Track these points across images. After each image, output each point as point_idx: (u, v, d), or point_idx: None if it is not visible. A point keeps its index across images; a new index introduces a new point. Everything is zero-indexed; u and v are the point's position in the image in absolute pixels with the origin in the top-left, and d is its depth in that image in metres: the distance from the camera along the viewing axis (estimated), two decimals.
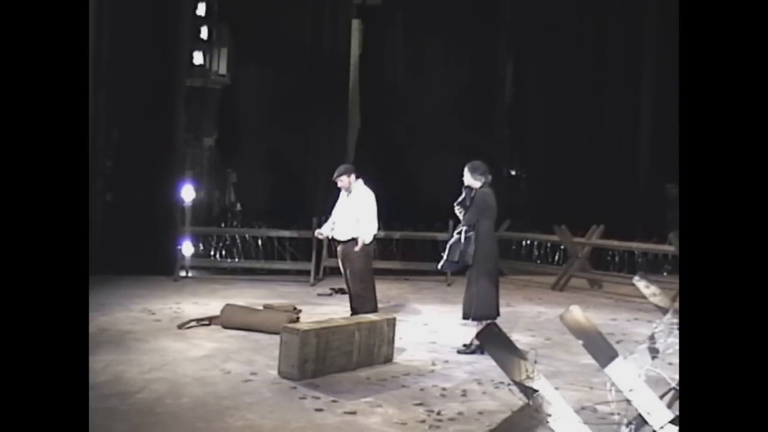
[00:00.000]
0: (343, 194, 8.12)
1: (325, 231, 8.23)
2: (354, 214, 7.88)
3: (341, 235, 7.95)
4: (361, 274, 7.84)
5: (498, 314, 6.99)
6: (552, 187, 15.85)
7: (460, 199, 7.08)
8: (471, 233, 6.95)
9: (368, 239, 7.81)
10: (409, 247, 13.15)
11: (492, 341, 3.42)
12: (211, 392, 5.55)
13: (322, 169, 15.67)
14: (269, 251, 12.96)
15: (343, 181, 8.02)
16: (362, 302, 7.79)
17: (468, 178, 7.11)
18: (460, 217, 7.07)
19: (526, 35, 16.91)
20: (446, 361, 6.78)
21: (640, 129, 16.26)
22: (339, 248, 8.02)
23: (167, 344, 7.06)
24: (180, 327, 7.73)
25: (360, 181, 8.05)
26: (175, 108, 12.66)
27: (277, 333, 6.37)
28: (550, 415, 3.26)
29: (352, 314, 7.64)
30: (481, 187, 7.08)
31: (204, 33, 27.47)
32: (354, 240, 7.81)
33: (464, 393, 5.75)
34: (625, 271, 12.86)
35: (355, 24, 16.69)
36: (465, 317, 7.17)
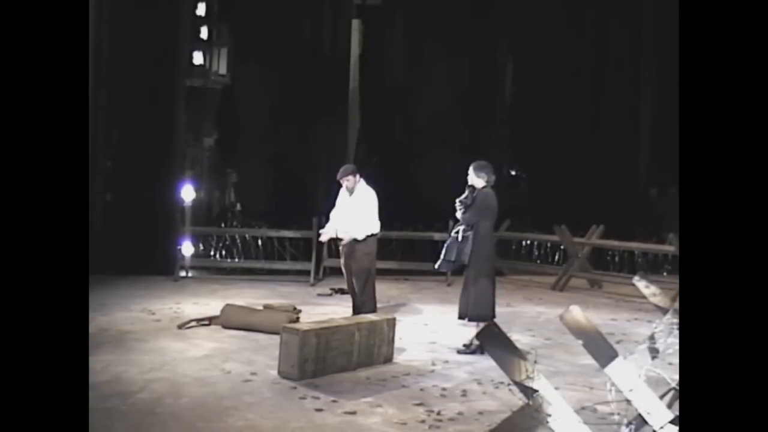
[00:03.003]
0: (343, 194, 8.11)
1: (330, 232, 8.14)
2: (358, 213, 7.89)
3: (345, 235, 7.94)
4: (364, 274, 7.84)
5: (494, 315, 6.98)
6: (552, 187, 15.84)
7: (462, 196, 7.07)
8: (469, 233, 6.96)
9: (360, 235, 7.81)
10: (409, 247, 13.14)
11: (492, 341, 3.42)
12: (211, 392, 5.55)
13: (322, 169, 15.70)
14: (269, 251, 12.95)
15: (349, 180, 8.00)
16: (363, 301, 7.80)
17: (472, 177, 7.11)
18: (459, 213, 7.07)
19: (526, 35, 16.92)
20: (446, 361, 6.78)
21: (640, 129, 16.28)
22: (342, 248, 8.01)
23: (167, 344, 7.06)
24: (180, 327, 7.73)
25: (362, 181, 8.06)
26: (175, 108, 12.65)
27: (277, 333, 6.37)
28: (550, 415, 3.26)
29: (354, 314, 7.63)
30: (483, 187, 7.08)
31: (204, 33, 27.47)
32: (358, 239, 7.81)
33: (464, 393, 5.75)
34: (625, 271, 12.85)
35: (355, 24, 16.69)
36: (461, 317, 7.17)
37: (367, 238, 7.85)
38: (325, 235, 8.22)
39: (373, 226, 7.90)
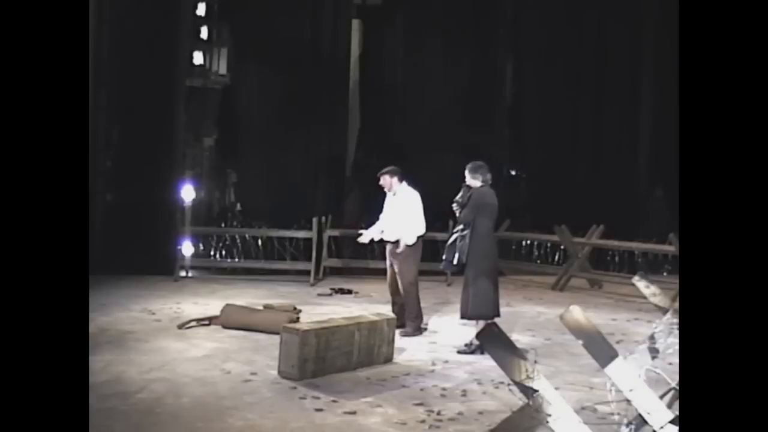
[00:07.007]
0: (389, 196, 8.14)
1: (369, 234, 8.23)
2: (398, 214, 7.94)
3: (389, 236, 8.00)
4: (407, 275, 7.85)
5: (497, 314, 6.98)
6: (552, 187, 15.85)
7: (457, 196, 7.12)
8: (466, 231, 6.97)
9: (410, 240, 7.83)
10: None
11: (492, 341, 3.42)
12: (211, 392, 5.55)
13: (322, 169, 15.71)
14: (269, 251, 12.94)
15: (384, 180, 8.05)
16: (407, 302, 7.84)
17: (468, 178, 7.15)
18: (457, 214, 7.11)
19: (526, 35, 16.92)
20: (446, 361, 6.78)
21: (640, 128, 16.28)
22: (388, 249, 8.05)
23: (167, 344, 7.06)
24: (180, 327, 7.72)
25: (404, 183, 8.07)
26: (175, 108, 12.65)
27: (277, 333, 6.36)
28: (550, 415, 3.26)
29: (397, 318, 7.45)
30: (480, 186, 7.10)
31: (204, 33, 27.49)
32: (398, 241, 7.86)
33: (464, 393, 5.75)
34: (625, 271, 12.84)
35: (355, 24, 16.71)
36: (462, 317, 7.19)
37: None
38: (366, 236, 8.30)
39: (415, 228, 7.90)
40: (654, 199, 15.02)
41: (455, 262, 6.99)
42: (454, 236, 7.07)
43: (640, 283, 4.16)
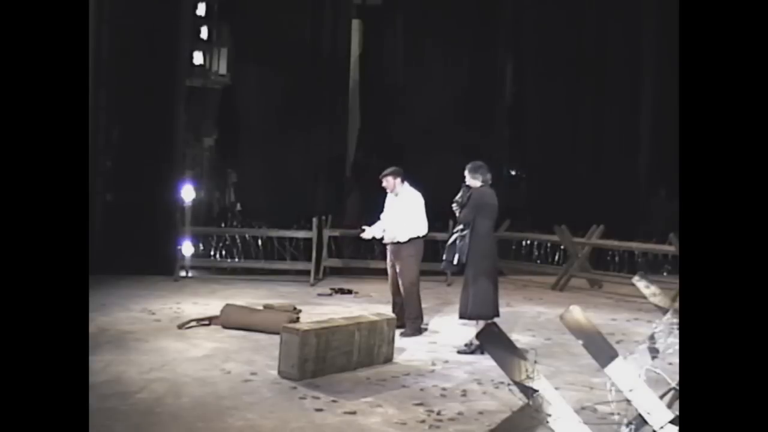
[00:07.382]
0: (390, 196, 8.14)
1: (372, 231, 8.25)
2: (400, 215, 7.95)
3: (389, 237, 8.00)
4: (408, 276, 7.86)
5: (497, 314, 6.98)
6: (552, 187, 15.86)
7: (457, 196, 7.12)
8: (466, 232, 6.97)
9: (402, 237, 7.84)
10: None
11: (492, 341, 3.43)
12: (211, 392, 5.55)
13: (322, 169, 15.72)
14: (269, 251, 12.96)
15: (388, 181, 8.04)
16: (408, 303, 7.84)
17: (468, 178, 7.15)
18: (457, 214, 7.11)
19: (526, 35, 16.93)
20: (446, 361, 6.78)
21: (640, 128, 16.29)
22: (389, 249, 8.06)
23: (167, 344, 7.06)
24: (180, 327, 7.72)
25: (406, 184, 8.07)
26: (175, 108, 12.66)
27: (277, 333, 6.37)
28: (550, 415, 3.26)
29: (398, 318, 7.38)
30: (480, 186, 7.10)
31: (204, 33, 27.52)
32: (401, 242, 7.87)
33: (464, 393, 5.75)
34: (625, 271, 12.86)
35: (355, 24, 16.73)
36: (461, 317, 7.19)
37: (412, 240, 7.87)
38: (368, 232, 8.31)
39: (417, 228, 7.90)
40: (658, 199, 15.05)
41: (455, 262, 6.98)
42: (454, 236, 7.06)
43: (640, 283, 4.16)
